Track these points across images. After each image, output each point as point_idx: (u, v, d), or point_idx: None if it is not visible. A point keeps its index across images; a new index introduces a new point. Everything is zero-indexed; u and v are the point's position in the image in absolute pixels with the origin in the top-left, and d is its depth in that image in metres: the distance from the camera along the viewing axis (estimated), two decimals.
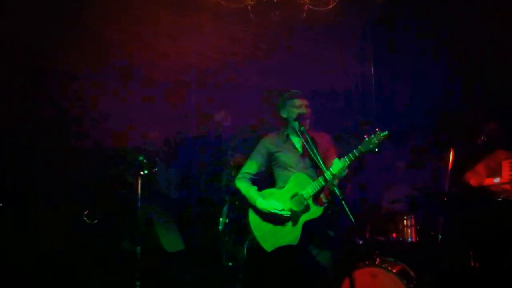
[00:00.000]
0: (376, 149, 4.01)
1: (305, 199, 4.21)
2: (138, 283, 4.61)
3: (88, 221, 5.21)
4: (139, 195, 4.62)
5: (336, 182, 4.09)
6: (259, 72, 6.25)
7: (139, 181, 4.61)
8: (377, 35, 6.41)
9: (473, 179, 5.01)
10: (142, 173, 4.62)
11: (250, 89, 6.27)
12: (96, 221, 5.24)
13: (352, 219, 3.87)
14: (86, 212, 5.24)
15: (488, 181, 4.86)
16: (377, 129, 4.04)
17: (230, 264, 4.96)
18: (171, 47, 6.01)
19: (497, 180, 4.77)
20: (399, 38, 6.27)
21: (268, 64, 6.25)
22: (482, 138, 4.92)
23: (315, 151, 4.19)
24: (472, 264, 4.59)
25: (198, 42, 6.07)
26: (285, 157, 4.43)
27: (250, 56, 6.18)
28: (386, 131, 4.02)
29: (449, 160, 4.83)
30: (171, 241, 5.33)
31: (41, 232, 5.18)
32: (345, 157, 4.10)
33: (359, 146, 4.06)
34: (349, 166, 4.10)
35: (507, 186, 4.70)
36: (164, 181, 5.67)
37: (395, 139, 5.37)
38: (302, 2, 5.70)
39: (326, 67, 6.17)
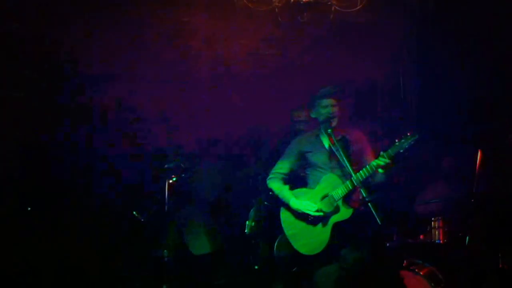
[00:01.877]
0: (407, 153, 4.02)
1: (335, 200, 4.25)
2: (165, 286, 4.68)
3: (138, 216, 5.24)
4: (167, 199, 4.68)
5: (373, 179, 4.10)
6: (292, 73, 6.26)
7: (166, 186, 4.67)
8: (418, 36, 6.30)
9: None
10: (170, 181, 4.69)
11: (284, 90, 6.27)
12: (145, 218, 5.28)
13: (379, 221, 3.89)
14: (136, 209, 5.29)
15: None
16: (408, 133, 4.05)
17: (257, 267, 4.99)
18: (204, 49, 6.08)
19: None
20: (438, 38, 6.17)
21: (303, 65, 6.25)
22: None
23: (341, 152, 4.22)
24: (500, 266, 4.55)
25: (232, 43, 6.11)
26: (315, 157, 4.48)
27: (284, 57, 6.20)
28: (417, 134, 4.02)
29: (477, 161, 4.77)
30: (198, 243, 5.38)
31: (70, 236, 5.30)
32: (375, 160, 4.11)
33: (389, 150, 4.07)
34: (377, 170, 4.09)
35: None
36: (200, 183, 5.69)
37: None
38: (329, 3, 5.70)
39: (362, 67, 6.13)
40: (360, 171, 4.14)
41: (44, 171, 5.53)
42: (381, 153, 4.09)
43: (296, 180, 4.58)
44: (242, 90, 6.19)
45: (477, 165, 4.76)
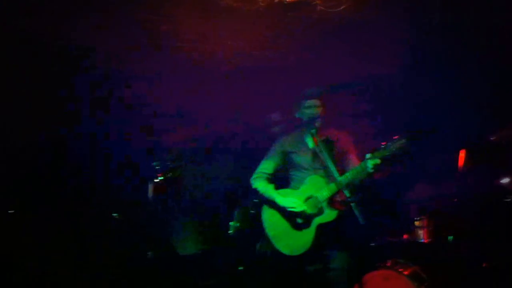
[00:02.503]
0: (393, 157, 4.03)
1: (319, 202, 4.26)
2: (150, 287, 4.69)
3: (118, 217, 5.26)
4: (152, 199, 4.70)
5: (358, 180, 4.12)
6: (276, 73, 6.26)
7: (152, 185, 4.69)
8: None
9: None
10: (156, 180, 4.70)
11: (266, 90, 6.28)
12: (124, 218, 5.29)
13: (362, 221, 3.91)
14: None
15: None
16: (394, 137, 4.05)
17: (241, 268, 5.00)
18: (191, 50, 6.08)
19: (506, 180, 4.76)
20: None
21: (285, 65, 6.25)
22: (494, 139, 4.91)
23: (325, 153, 4.22)
24: (484, 265, 4.59)
25: (216, 43, 6.11)
26: (299, 157, 4.48)
27: (268, 57, 6.20)
28: (404, 139, 4.01)
29: (460, 161, 4.82)
30: (185, 244, 5.38)
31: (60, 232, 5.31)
32: (361, 164, 4.12)
33: (375, 153, 4.08)
34: (363, 172, 4.11)
35: None
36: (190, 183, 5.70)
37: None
38: (314, 3, 5.72)
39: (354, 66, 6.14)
40: (346, 174, 4.15)
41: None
42: (367, 155, 4.09)
43: (278, 181, 4.59)
44: (228, 90, 6.20)
45: (461, 165, 4.80)
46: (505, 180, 4.81)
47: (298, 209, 4.27)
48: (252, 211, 5.07)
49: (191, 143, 5.77)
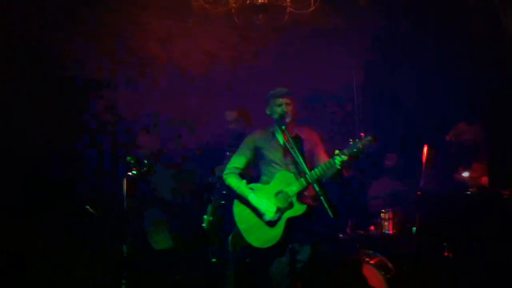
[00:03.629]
0: (361, 154, 4.16)
1: (289, 196, 4.38)
2: (124, 281, 4.69)
3: (92, 211, 5.26)
4: (125, 194, 4.72)
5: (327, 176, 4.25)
6: (248, 75, 6.36)
7: (125, 180, 4.71)
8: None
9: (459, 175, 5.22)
10: (130, 173, 4.71)
11: (240, 92, 6.37)
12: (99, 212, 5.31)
13: (331, 215, 4.06)
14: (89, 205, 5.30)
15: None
16: (361, 134, 4.19)
17: (214, 260, 5.08)
18: (160, 51, 6.14)
19: (466, 174, 5.00)
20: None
21: (258, 66, 6.36)
22: (451, 137, 5.14)
23: (295, 149, 4.34)
24: (445, 254, 4.80)
25: (188, 45, 6.18)
26: (270, 153, 4.57)
27: (239, 59, 6.29)
28: (371, 136, 4.16)
29: (424, 156, 5.00)
30: (159, 239, 5.42)
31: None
32: (330, 160, 4.25)
33: (344, 149, 4.21)
34: (332, 168, 4.25)
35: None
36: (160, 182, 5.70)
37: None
38: (284, 5, 5.86)
39: (320, 71, 6.28)
40: (315, 169, 4.27)
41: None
42: (336, 151, 4.21)
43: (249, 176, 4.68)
44: (198, 92, 6.28)
45: (423, 160, 4.99)
46: (465, 174, 5.03)
47: (271, 212, 4.37)
48: (223, 202, 5.15)
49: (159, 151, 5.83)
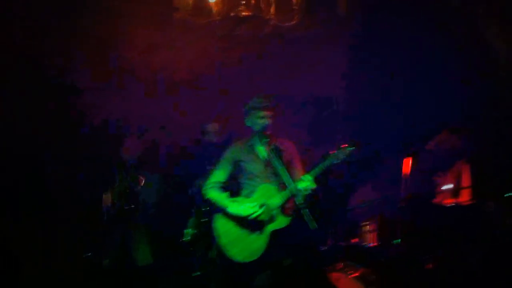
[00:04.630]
0: (342, 163, 4.20)
1: (271, 209, 4.37)
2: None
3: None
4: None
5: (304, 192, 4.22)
6: (229, 84, 6.38)
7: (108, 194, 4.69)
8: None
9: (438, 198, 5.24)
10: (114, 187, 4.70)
11: (220, 101, 6.38)
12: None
13: (311, 226, 4.06)
14: None
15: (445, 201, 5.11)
16: (342, 145, 4.21)
17: (198, 273, 5.04)
18: (141, 60, 6.15)
19: (448, 187, 5.01)
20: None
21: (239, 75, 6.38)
22: (432, 146, 5.16)
23: (276, 161, 4.35)
24: (428, 265, 4.80)
25: (169, 55, 6.20)
26: (250, 166, 4.55)
27: (220, 69, 6.31)
28: (352, 147, 4.18)
29: (406, 167, 5.02)
30: (141, 255, 5.33)
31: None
32: (311, 172, 4.26)
33: (325, 161, 4.23)
34: (315, 180, 4.25)
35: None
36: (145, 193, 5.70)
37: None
38: (267, 17, 5.89)
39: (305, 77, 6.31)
40: (294, 183, 4.26)
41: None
42: (319, 165, 4.25)
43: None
44: (178, 100, 6.28)
45: (405, 170, 5.00)
46: (447, 186, 5.06)
47: (250, 213, 4.35)
48: (204, 219, 5.12)
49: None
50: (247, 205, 4.38)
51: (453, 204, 4.94)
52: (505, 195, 4.60)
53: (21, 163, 5.64)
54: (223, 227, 4.47)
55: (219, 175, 4.61)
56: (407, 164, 5.03)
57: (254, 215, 4.35)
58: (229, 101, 6.05)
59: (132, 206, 5.20)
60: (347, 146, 4.21)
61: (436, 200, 5.10)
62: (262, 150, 4.56)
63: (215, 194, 4.53)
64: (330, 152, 4.24)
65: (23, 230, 5.39)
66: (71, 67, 5.92)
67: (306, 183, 4.23)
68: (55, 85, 5.90)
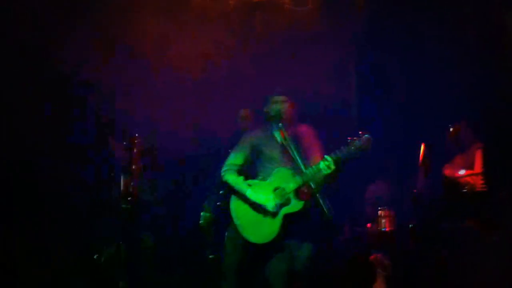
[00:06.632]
0: (359, 152, 4.17)
1: (287, 193, 4.38)
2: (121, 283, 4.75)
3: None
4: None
5: (321, 177, 4.24)
6: (245, 73, 6.36)
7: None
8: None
9: (448, 170, 5.25)
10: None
11: (235, 90, 6.38)
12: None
13: (327, 212, 4.08)
14: None
15: (457, 173, 5.10)
16: (360, 132, 4.20)
17: (211, 256, 5.09)
18: (156, 50, 6.14)
19: (462, 172, 5.01)
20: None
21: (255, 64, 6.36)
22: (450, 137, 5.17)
23: (292, 147, 4.37)
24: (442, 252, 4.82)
25: (184, 44, 6.17)
26: (269, 151, 4.59)
27: (236, 59, 6.30)
28: (368, 135, 4.18)
29: (421, 155, 5.02)
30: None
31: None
32: (326, 157, 4.25)
33: (342, 148, 4.23)
34: (329, 167, 4.23)
35: (469, 179, 4.97)
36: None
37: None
38: (281, 1, 5.88)
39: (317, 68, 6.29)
40: (309, 169, 4.28)
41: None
42: (329, 156, 4.23)
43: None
44: (192, 94, 6.27)
45: (420, 159, 5.01)
46: (462, 172, 5.06)
47: (270, 205, 4.37)
48: (218, 203, 5.14)
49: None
50: (265, 197, 4.41)
51: (465, 175, 4.92)
52: None
53: (21, 163, 5.61)
54: (238, 208, 4.53)
55: (237, 158, 4.66)
56: (422, 152, 5.03)
57: (271, 209, 4.38)
58: (245, 91, 6.03)
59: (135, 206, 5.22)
60: (363, 135, 4.20)
61: (447, 172, 5.12)
62: (279, 136, 4.58)
63: (232, 177, 4.57)
64: (348, 139, 4.22)
65: (18, 233, 5.39)
66: (81, 62, 5.84)
67: (326, 162, 4.24)
68: (64, 81, 5.85)
